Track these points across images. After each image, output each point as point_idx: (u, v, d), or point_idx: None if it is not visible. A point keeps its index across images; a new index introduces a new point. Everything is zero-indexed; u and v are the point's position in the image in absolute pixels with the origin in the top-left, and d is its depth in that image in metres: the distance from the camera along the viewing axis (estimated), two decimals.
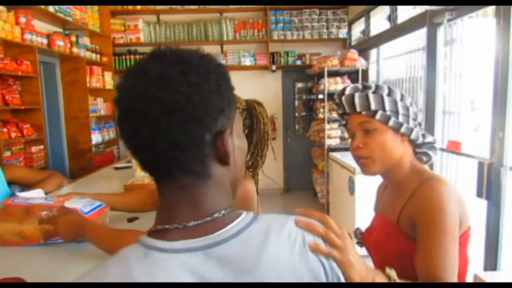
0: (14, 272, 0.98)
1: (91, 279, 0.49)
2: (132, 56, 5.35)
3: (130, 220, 1.51)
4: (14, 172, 1.98)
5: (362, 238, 1.17)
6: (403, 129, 1.01)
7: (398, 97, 1.03)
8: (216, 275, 0.51)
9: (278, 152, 5.66)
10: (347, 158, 3.88)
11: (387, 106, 1.01)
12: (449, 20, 2.85)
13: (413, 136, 1.03)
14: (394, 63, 4.13)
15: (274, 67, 5.40)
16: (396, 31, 3.83)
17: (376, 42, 4.39)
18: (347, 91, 1.05)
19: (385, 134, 1.01)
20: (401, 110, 1.02)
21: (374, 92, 1.03)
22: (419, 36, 3.46)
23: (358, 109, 1.02)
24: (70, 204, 1.32)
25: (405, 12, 3.74)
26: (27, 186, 2.00)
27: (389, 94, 1.03)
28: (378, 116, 1.00)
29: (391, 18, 3.99)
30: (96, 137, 4.70)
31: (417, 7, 3.12)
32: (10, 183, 1.95)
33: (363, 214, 3.44)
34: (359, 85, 1.07)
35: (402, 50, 3.87)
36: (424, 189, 0.97)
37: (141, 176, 2.11)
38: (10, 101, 3.26)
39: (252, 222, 0.56)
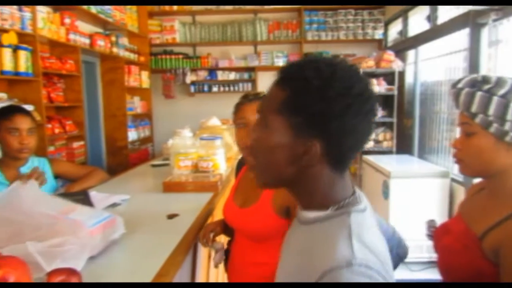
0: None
1: (359, 253, 0.60)
2: (167, 56, 5.46)
3: (170, 216, 1.54)
4: (61, 167, 2.07)
5: (434, 232, 1.11)
6: (508, 138, 0.89)
7: None
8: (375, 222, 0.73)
9: None
10: (381, 161, 3.81)
11: (492, 110, 0.89)
12: (494, 20, 2.74)
13: None
14: (433, 65, 4.01)
15: None
16: (436, 31, 3.71)
17: (414, 43, 4.27)
18: (459, 84, 0.96)
19: (484, 140, 0.92)
20: (510, 117, 0.88)
21: (487, 90, 0.91)
22: (460, 36, 3.35)
23: (460, 107, 0.94)
24: (74, 215, 1.18)
25: (446, 13, 3.63)
26: (71, 180, 2.09)
27: (505, 95, 0.90)
28: (477, 119, 0.91)
29: (431, 18, 3.88)
30: (132, 135, 4.85)
31: (459, 7, 3.02)
32: (56, 177, 2.05)
33: (398, 219, 3.36)
34: (479, 77, 0.95)
35: (441, 51, 3.75)
36: None
37: (178, 173, 2.15)
38: (54, 99, 3.41)
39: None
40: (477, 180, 1.10)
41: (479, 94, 0.91)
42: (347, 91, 0.63)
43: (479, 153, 0.93)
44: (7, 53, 2.72)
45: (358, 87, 0.64)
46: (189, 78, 5.44)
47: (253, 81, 5.46)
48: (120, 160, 4.55)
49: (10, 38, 2.74)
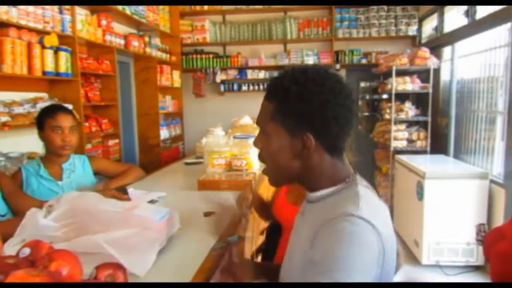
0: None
1: (364, 211, 0.72)
2: (198, 56, 5.53)
3: (206, 214, 1.56)
4: (99, 164, 2.14)
5: (485, 237, 1.07)
6: None
7: None
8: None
9: None
10: (415, 161, 3.71)
11: None
12: None
13: None
14: (470, 61, 3.86)
15: (338, 66, 5.29)
16: (475, 27, 3.58)
17: (450, 39, 4.13)
18: None
19: None
20: None
21: None
22: (500, 32, 3.21)
23: None
24: (139, 212, 1.20)
25: (485, 7, 3.48)
26: (109, 177, 2.16)
27: None
28: None
29: (469, 13, 3.74)
30: (163, 133, 4.94)
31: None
32: (94, 173, 2.12)
33: (433, 221, 3.27)
34: None
35: (479, 47, 3.61)
36: None
37: (212, 171, 2.18)
38: (91, 98, 3.53)
39: None
40: None
41: None
42: (320, 88, 0.77)
43: None
44: (49, 54, 2.83)
45: (329, 84, 0.78)
46: (219, 77, 5.49)
47: None
48: (152, 158, 4.65)
49: (52, 40, 2.85)
